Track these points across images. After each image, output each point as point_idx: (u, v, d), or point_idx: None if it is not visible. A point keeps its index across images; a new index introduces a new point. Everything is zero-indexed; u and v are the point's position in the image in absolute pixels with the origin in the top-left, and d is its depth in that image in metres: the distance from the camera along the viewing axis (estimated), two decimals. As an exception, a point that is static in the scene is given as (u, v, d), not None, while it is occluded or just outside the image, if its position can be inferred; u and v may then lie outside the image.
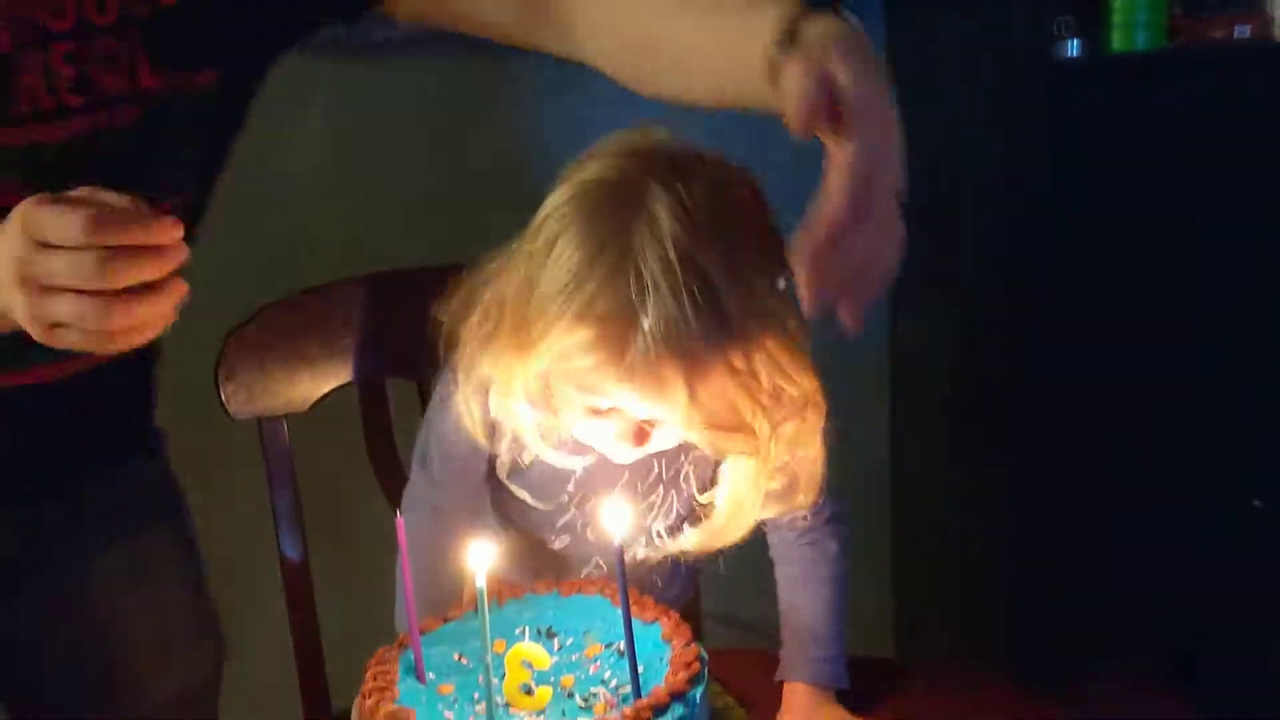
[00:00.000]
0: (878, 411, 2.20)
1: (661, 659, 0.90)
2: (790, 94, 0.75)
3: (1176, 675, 1.90)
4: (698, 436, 0.88)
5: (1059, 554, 1.88)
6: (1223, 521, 1.90)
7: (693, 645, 0.90)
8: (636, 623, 0.91)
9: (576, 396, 0.87)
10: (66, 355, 0.76)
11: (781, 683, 1.04)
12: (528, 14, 0.98)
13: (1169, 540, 1.89)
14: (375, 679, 0.88)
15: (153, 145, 0.93)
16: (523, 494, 1.04)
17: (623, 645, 0.93)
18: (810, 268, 0.73)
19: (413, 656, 0.91)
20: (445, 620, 0.97)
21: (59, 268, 0.68)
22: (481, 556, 0.83)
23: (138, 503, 1.14)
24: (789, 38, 0.79)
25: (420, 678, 0.90)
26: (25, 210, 0.70)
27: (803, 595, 1.05)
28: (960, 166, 1.92)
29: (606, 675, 0.90)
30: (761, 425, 0.87)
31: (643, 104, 0.96)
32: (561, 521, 1.05)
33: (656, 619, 0.95)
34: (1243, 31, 1.82)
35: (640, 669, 0.86)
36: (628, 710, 0.82)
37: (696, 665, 0.87)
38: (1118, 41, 1.76)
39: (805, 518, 1.04)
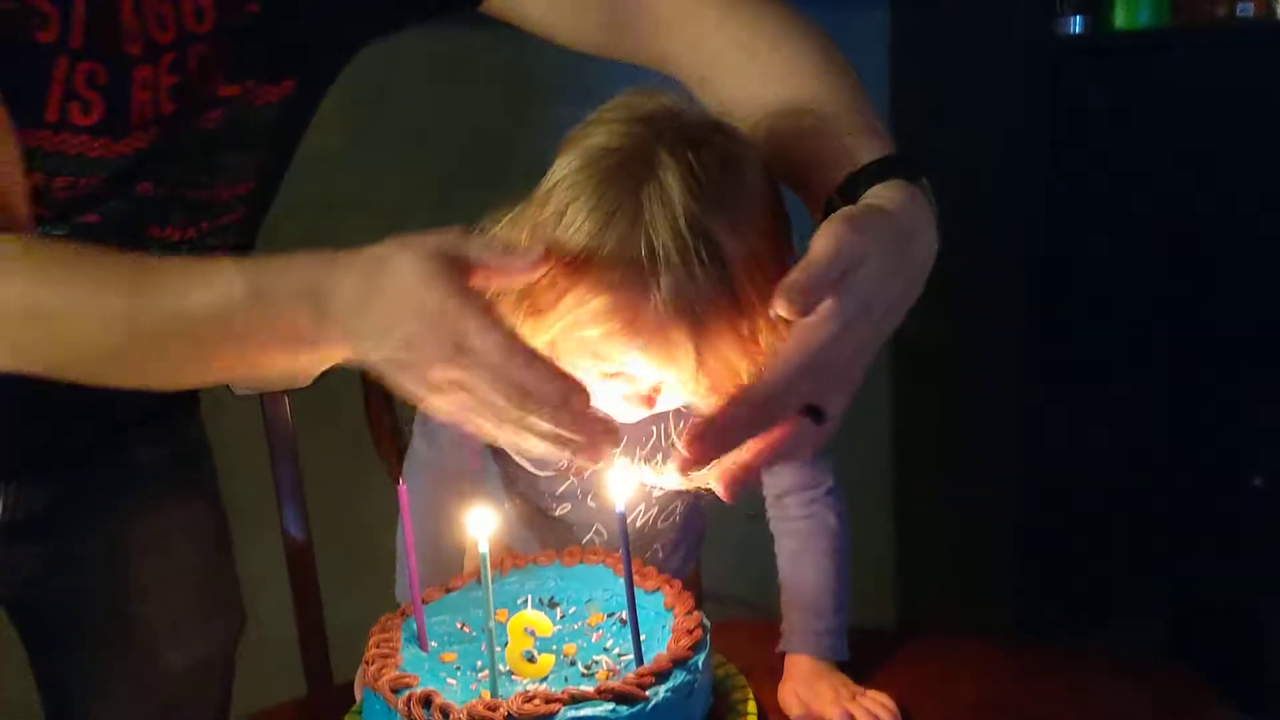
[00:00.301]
0: (878, 386, 2.20)
1: (664, 627, 0.90)
2: (810, 255, 0.68)
3: (1175, 648, 1.91)
4: (699, 398, 0.88)
5: (1060, 529, 1.88)
6: (1223, 500, 1.91)
7: (695, 613, 0.90)
8: (638, 591, 0.92)
9: (585, 362, 0.87)
10: None
11: (784, 655, 1.04)
12: (623, 42, 0.95)
13: (1170, 517, 1.90)
14: (378, 646, 0.88)
15: (228, 145, 0.94)
16: (521, 460, 1.04)
17: (625, 614, 0.93)
18: (689, 443, 0.69)
19: (415, 625, 0.91)
20: (447, 590, 0.98)
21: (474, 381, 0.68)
22: (482, 523, 0.84)
23: (182, 463, 1.16)
24: (852, 188, 0.75)
25: (423, 646, 0.90)
26: (446, 303, 0.67)
27: (803, 568, 1.06)
28: (962, 142, 1.92)
29: (609, 644, 0.91)
30: None
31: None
32: (561, 489, 1.05)
33: (659, 588, 0.95)
34: (1245, 10, 1.82)
35: (642, 637, 0.87)
36: (630, 676, 0.82)
37: (699, 632, 0.88)
38: (1120, 18, 1.76)
39: (803, 488, 1.05)
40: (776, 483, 1.06)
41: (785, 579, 1.07)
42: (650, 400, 0.89)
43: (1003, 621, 1.97)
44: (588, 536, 1.08)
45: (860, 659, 1.03)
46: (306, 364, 0.77)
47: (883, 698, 0.99)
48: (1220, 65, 1.79)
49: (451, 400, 0.70)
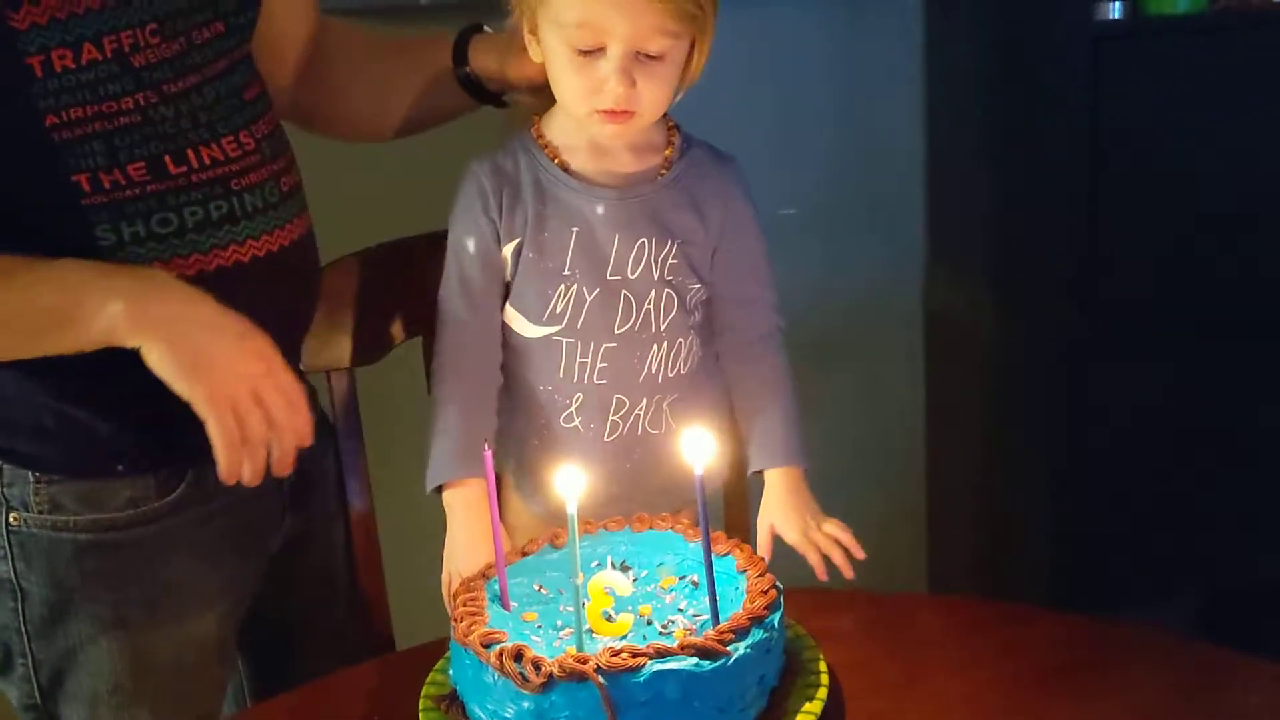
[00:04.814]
0: (914, 361, 2.22)
1: (736, 589, 0.93)
2: None
3: (1212, 626, 1.93)
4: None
5: (1095, 505, 1.90)
6: (1261, 477, 1.92)
7: (767, 575, 0.93)
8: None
9: (564, 35, 1.00)
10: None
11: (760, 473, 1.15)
12: None
13: (1206, 494, 1.92)
14: (465, 605, 0.91)
15: None
16: (517, 317, 1.13)
17: (696, 577, 0.96)
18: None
19: (498, 585, 0.94)
20: (523, 553, 1.01)
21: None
22: (571, 485, 0.87)
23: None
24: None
25: (505, 605, 0.93)
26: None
27: (768, 397, 1.18)
28: (1001, 128, 1.94)
29: (682, 605, 0.94)
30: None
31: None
32: (570, 407, 1.15)
33: (729, 551, 0.98)
34: (1282, -6, 1.83)
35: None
36: (711, 632, 0.85)
37: (773, 593, 0.91)
38: (1158, 4, 1.78)
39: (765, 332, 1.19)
40: (738, 325, 1.18)
41: (750, 410, 1.18)
42: (630, 93, 1.01)
43: (1036, 597, 1.98)
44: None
45: (921, 622, 1.06)
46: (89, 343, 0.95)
47: (840, 525, 1.09)
48: (1258, 50, 1.80)
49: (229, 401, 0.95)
